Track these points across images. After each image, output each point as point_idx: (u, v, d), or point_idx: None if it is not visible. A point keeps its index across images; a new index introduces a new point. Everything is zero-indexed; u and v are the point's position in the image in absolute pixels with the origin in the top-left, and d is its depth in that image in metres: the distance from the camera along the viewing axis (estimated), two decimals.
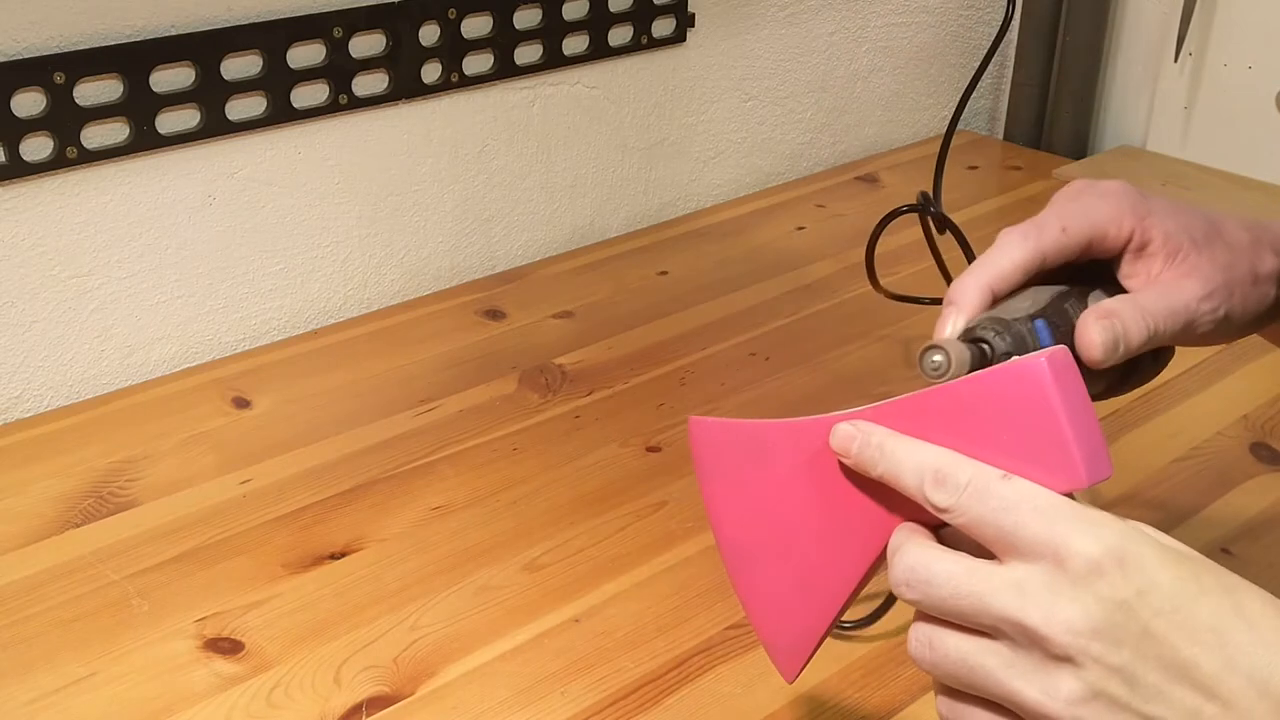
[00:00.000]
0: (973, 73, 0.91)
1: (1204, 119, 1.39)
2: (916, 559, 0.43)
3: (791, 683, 0.53)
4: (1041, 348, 0.49)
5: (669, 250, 1.20)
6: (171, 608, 0.73)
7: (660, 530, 0.80)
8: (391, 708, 0.66)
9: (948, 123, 0.89)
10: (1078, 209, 0.52)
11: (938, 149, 0.89)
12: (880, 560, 0.47)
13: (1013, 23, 0.95)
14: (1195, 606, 0.39)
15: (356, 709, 0.66)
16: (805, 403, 0.94)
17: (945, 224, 0.86)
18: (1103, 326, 0.49)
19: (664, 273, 1.15)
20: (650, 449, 0.88)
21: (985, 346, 0.48)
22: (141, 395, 0.95)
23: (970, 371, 0.46)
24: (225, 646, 0.70)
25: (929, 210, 0.86)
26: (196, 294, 1.00)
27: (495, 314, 1.07)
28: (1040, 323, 0.49)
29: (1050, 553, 0.40)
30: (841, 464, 0.47)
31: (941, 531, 0.45)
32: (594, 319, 1.06)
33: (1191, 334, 0.52)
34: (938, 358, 0.46)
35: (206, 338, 1.01)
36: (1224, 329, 0.53)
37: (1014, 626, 0.40)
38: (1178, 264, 0.51)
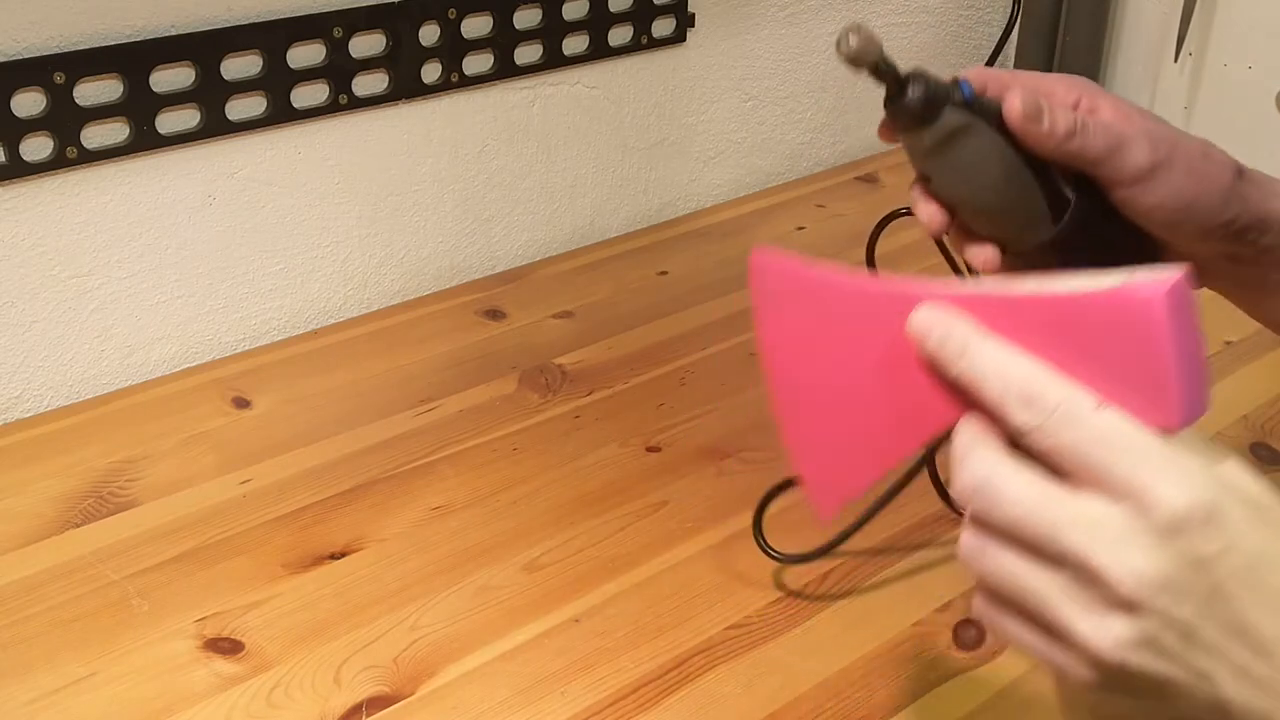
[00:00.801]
0: None
1: (1204, 119, 1.39)
2: (991, 470, 0.41)
3: (827, 521, 0.50)
4: (965, 98, 0.50)
5: (669, 250, 1.20)
6: (171, 608, 0.73)
7: (660, 530, 0.80)
8: (391, 708, 0.66)
9: None
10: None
11: None
12: (944, 437, 0.45)
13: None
14: (1272, 573, 0.38)
15: (356, 709, 0.66)
16: None
17: None
18: (1028, 98, 0.51)
19: (664, 273, 1.15)
20: (650, 449, 0.88)
21: (902, 77, 0.49)
22: (141, 395, 0.95)
23: (874, 65, 0.48)
24: (225, 646, 0.70)
25: None
26: (196, 294, 1.00)
27: (495, 314, 1.07)
28: (965, 83, 0.51)
29: (1135, 495, 0.38)
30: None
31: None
32: (594, 319, 1.06)
33: (1130, 173, 0.53)
34: (851, 38, 0.47)
35: (206, 338, 1.01)
36: (1171, 196, 0.54)
37: (1080, 563, 0.39)
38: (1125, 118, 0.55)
